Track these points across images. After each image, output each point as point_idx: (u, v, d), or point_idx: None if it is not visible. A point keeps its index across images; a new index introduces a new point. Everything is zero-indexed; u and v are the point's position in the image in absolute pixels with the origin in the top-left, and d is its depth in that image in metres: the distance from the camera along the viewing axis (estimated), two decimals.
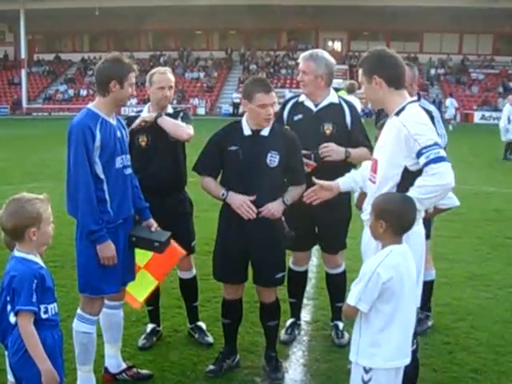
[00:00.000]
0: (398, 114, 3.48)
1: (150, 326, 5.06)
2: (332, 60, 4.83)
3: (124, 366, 4.41)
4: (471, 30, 48.48)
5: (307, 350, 4.85)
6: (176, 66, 49.51)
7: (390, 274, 3.05)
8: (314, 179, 4.02)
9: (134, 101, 46.44)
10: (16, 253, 3.09)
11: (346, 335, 4.89)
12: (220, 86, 50.12)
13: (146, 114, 4.78)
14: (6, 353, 3.16)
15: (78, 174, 3.80)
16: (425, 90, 42.31)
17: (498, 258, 7.49)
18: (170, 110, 4.86)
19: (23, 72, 49.73)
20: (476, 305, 5.77)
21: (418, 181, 3.32)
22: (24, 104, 49.40)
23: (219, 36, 55.65)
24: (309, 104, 4.79)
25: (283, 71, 49.59)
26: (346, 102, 4.92)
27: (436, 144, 3.33)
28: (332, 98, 4.82)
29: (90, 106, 4.01)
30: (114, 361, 4.38)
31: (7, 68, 54.57)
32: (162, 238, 4.17)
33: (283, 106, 4.93)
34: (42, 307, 3.04)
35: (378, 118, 5.69)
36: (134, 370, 4.42)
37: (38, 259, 3.13)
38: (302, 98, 4.85)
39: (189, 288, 5.11)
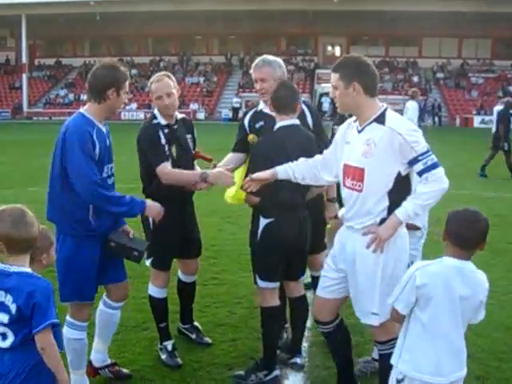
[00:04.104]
0: (380, 121, 3.52)
1: (169, 344, 4.80)
2: (281, 61, 4.79)
3: (109, 361, 4.43)
4: (470, 35, 48.56)
5: (307, 357, 4.82)
6: (176, 70, 49.55)
7: (424, 280, 3.05)
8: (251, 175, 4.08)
9: (133, 105, 46.59)
10: (16, 268, 2.91)
11: None
12: (220, 91, 50.16)
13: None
14: None
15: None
16: (424, 94, 42.40)
17: (501, 263, 7.45)
18: (178, 116, 4.74)
19: (24, 76, 49.91)
20: None
21: (420, 188, 3.42)
22: (25, 108, 49.54)
23: (219, 41, 55.72)
24: (267, 111, 4.66)
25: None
26: (305, 103, 4.80)
27: (429, 150, 3.46)
28: None
29: (83, 111, 3.94)
30: (101, 356, 4.39)
31: (8, 72, 54.72)
32: (141, 247, 4.13)
33: (243, 116, 4.90)
34: None
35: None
36: (117, 367, 4.44)
37: None
38: (261, 106, 4.77)
39: (190, 291, 5.16)
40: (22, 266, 2.93)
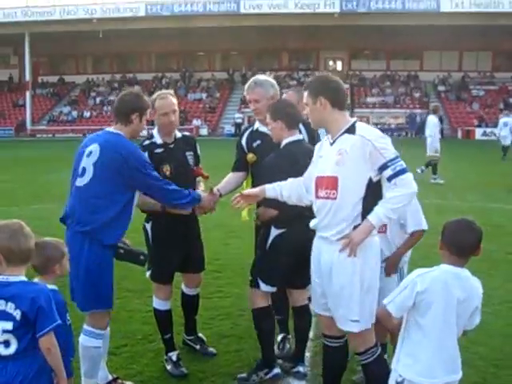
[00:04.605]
0: (350, 132, 3.69)
1: (174, 355, 4.90)
2: (273, 80, 4.98)
3: (110, 377, 4.50)
4: (471, 48, 48.78)
5: (310, 366, 4.92)
6: (178, 87, 49.86)
7: (425, 286, 3.17)
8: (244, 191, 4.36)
9: None
10: (14, 278, 3.04)
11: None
12: (222, 107, 50.36)
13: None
14: None
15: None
16: (426, 107, 42.67)
17: (499, 273, 7.52)
18: (178, 134, 4.89)
19: (28, 94, 50.19)
20: None
21: (389, 193, 3.58)
22: (28, 126, 49.76)
23: (221, 57, 56.02)
24: (263, 129, 4.83)
25: (285, 91, 49.77)
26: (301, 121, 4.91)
27: (398, 156, 3.62)
28: None
29: (114, 131, 4.24)
30: (102, 373, 4.44)
31: (12, 90, 55.09)
32: (144, 251, 4.45)
33: (241, 136, 5.04)
34: None
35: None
36: (119, 381, 4.52)
37: None
38: (256, 125, 4.93)
39: (193, 303, 5.25)
40: (18, 275, 3.07)
